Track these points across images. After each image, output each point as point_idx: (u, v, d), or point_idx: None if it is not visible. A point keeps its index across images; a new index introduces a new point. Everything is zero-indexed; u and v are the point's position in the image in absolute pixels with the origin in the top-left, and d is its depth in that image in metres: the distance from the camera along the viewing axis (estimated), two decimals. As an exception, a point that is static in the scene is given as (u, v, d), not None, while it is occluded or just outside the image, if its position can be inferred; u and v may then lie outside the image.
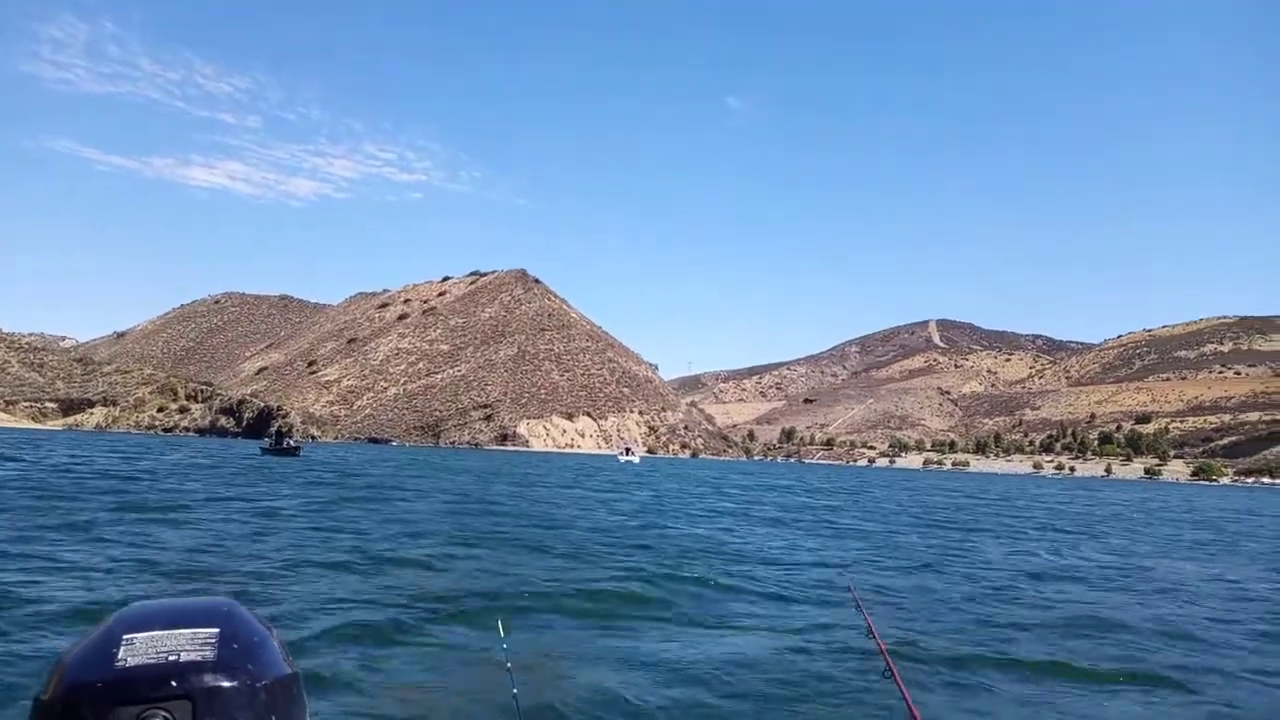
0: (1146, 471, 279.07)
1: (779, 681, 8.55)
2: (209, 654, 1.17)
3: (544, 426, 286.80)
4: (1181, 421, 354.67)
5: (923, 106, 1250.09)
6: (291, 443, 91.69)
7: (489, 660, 8.11)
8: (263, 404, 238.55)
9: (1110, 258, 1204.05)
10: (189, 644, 1.17)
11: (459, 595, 12.15)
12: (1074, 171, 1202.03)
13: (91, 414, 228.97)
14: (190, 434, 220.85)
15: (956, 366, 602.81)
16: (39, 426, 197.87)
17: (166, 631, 1.19)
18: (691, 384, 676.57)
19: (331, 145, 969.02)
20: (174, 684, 1.12)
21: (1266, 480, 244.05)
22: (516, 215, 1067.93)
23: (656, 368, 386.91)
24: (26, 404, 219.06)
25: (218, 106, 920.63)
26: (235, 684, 1.16)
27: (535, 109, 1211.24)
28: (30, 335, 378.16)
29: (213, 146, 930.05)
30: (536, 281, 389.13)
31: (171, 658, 1.15)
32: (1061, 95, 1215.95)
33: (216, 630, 1.21)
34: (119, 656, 1.14)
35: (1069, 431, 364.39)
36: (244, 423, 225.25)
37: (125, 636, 1.17)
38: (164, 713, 1.11)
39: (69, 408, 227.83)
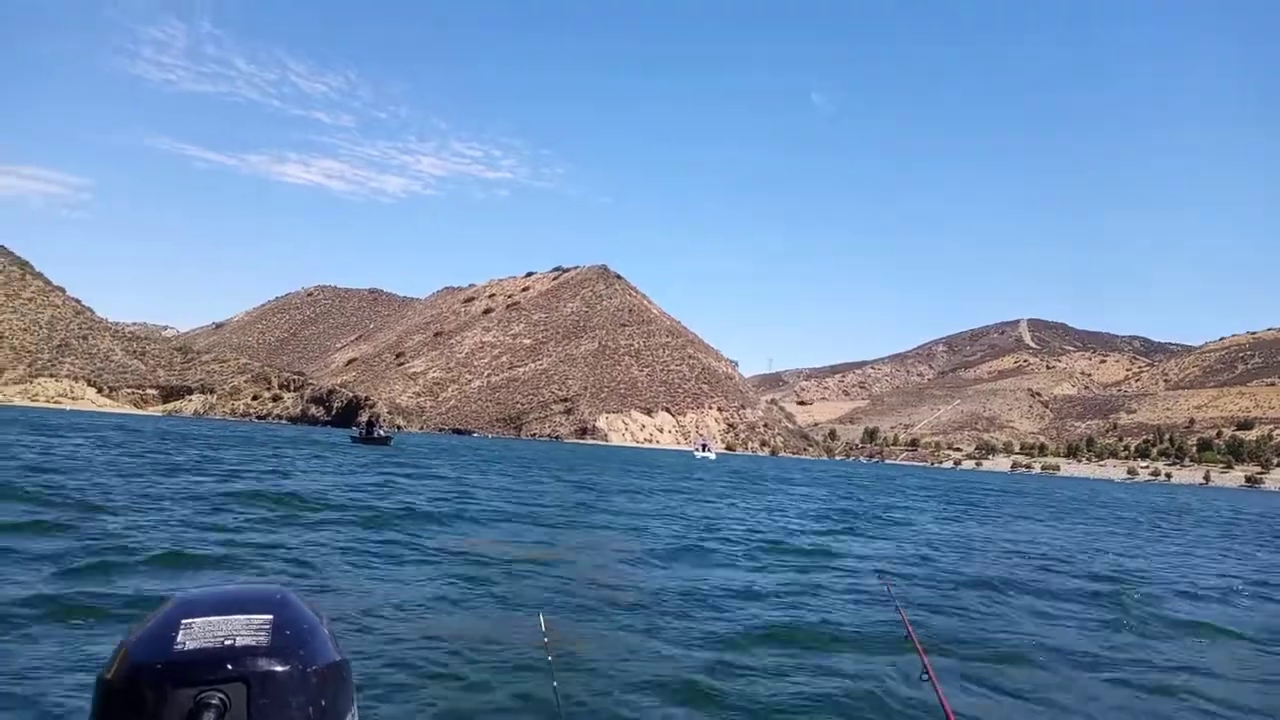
0: (1247, 479, 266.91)
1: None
2: (263, 639, 1.22)
3: (623, 421, 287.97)
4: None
5: (1016, 103, 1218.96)
6: (381, 432, 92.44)
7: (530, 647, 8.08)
8: (351, 394, 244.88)
9: (1213, 255, 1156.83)
10: (244, 629, 1.23)
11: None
12: (1174, 166, 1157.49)
13: (190, 401, 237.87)
14: (282, 421, 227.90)
15: (1048, 368, 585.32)
16: (140, 412, 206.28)
17: (223, 617, 1.25)
18: (772, 381, 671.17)
19: (420, 143, 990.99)
20: (230, 667, 1.17)
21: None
22: (599, 211, 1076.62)
23: (737, 364, 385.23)
24: (129, 390, 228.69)
25: (312, 105, 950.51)
26: (288, 669, 1.21)
27: (618, 107, 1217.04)
28: (133, 325, 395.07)
29: (307, 144, 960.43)
30: (618, 277, 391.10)
31: (228, 642, 1.20)
32: (1158, 90, 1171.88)
33: (270, 617, 1.27)
34: (178, 640, 1.20)
35: (1166, 436, 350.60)
36: (333, 412, 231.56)
37: (184, 621, 1.23)
38: (220, 694, 1.16)
39: (169, 395, 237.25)
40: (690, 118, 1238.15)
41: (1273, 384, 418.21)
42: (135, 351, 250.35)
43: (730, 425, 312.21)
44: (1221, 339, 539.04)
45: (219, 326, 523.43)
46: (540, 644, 3.82)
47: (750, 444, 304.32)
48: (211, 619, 1.24)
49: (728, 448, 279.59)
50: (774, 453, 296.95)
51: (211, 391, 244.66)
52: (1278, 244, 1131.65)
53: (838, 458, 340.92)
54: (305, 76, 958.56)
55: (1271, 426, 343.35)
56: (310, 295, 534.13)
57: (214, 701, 1.15)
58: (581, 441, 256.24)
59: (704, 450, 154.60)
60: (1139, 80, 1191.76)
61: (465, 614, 10.30)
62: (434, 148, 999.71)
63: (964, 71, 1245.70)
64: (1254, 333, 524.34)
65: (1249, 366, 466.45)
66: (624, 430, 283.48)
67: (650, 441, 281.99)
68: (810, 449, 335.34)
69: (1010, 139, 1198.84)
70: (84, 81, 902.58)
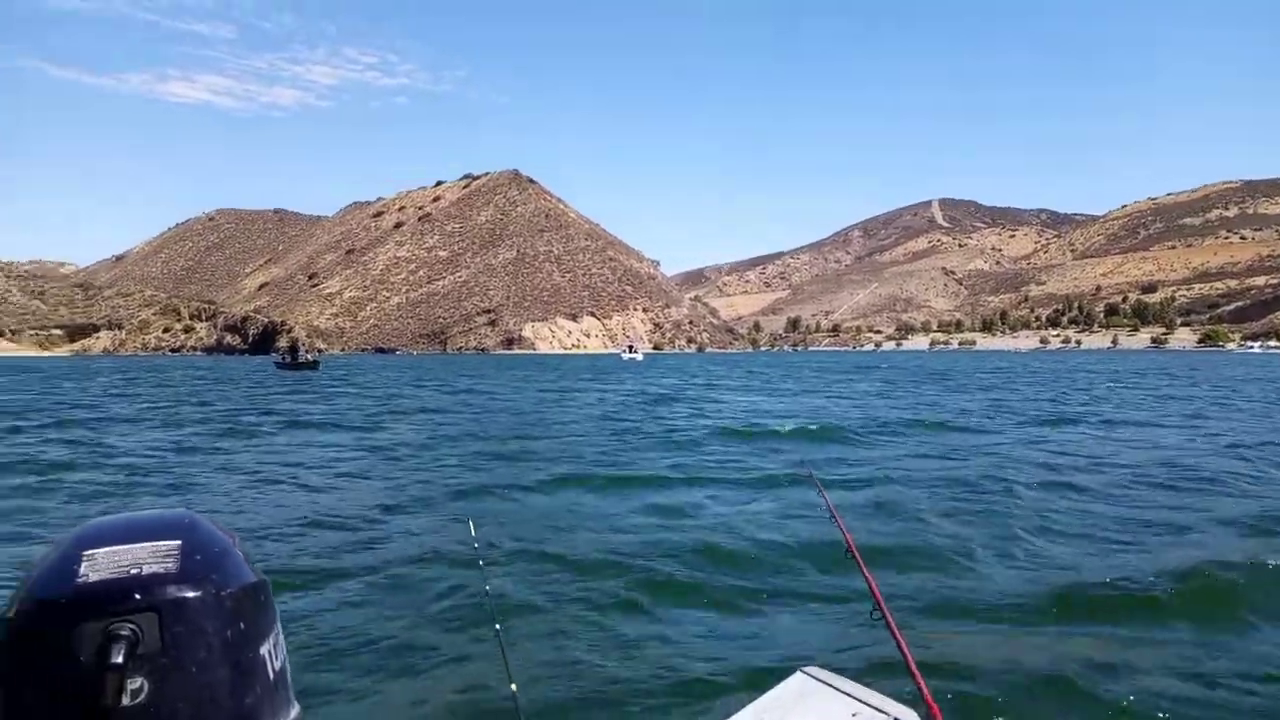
0: (1153, 341, 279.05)
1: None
2: (172, 565, 1.14)
3: (549, 329, 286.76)
4: (1188, 289, 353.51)
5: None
6: (309, 356, 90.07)
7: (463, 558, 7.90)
8: (267, 320, 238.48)
9: (1114, 126, 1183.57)
10: (151, 556, 1.15)
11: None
12: (1075, 40, 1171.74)
13: (98, 339, 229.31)
14: (197, 353, 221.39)
15: (960, 246, 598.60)
16: (46, 354, 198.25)
17: (127, 546, 1.16)
18: (695, 278, 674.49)
19: (309, 50, 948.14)
20: (138, 597, 1.09)
21: (1274, 344, 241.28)
22: (504, 114, 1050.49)
23: (658, 264, 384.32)
24: (32, 332, 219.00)
25: (189, 17, 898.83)
26: (200, 594, 1.13)
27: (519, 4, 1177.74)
28: (29, 263, 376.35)
29: (189, 59, 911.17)
30: (531, 181, 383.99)
31: (134, 571, 1.12)
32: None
33: (178, 542, 1.18)
34: (80, 572, 1.11)
35: (1075, 305, 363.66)
36: (249, 339, 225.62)
37: (86, 553, 1.14)
38: (131, 625, 1.08)
39: (75, 334, 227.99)
40: (594, 12, 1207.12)
41: (1173, 247, 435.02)
42: (34, 291, 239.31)
43: (656, 325, 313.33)
44: (1124, 206, 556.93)
45: (120, 259, 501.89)
46: (470, 546, 4.01)
47: (677, 342, 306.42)
48: (115, 548, 1.15)
49: (655, 348, 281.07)
50: (701, 349, 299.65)
51: (120, 327, 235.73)
52: (1176, 109, 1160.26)
53: (763, 349, 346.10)
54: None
55: (1174, 289, 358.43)
56: (212, 220, 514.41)
57: (124, 633, 1.06)
58: (509, 352, 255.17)
59: (631, 352, 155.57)
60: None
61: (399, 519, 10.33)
62: (325, 54, 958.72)
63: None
64: (1154, 199, 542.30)
65: (1150, 232, 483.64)
66: (551, 338, 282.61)
67: (578, 347, 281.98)
68: (736, 343, 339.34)
69: (917, 20, 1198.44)
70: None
